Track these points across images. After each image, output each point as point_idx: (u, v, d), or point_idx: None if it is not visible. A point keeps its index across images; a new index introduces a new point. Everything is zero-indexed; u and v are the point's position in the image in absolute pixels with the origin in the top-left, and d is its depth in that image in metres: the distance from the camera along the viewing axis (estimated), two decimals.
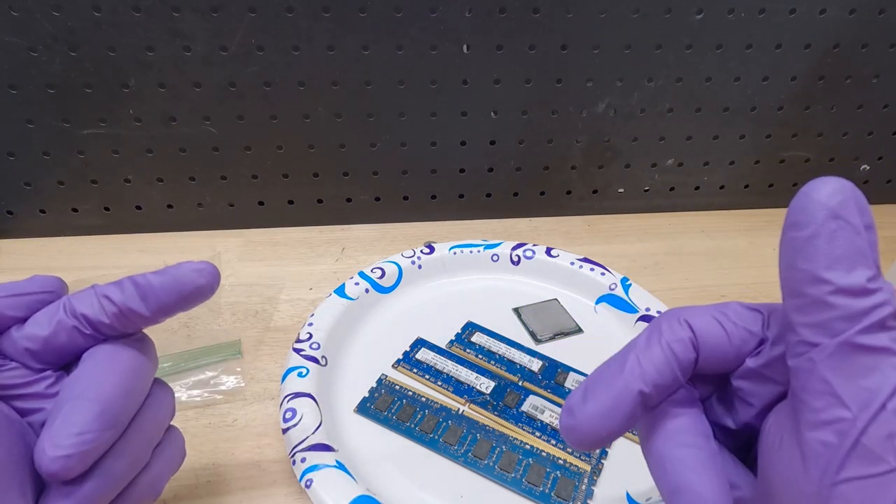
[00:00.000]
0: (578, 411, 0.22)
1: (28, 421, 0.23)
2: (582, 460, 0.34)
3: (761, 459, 0.21)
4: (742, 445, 0.23)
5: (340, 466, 0.31)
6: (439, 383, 0.39)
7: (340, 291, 0.44)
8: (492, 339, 0.43)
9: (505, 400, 0.38)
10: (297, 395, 0.35)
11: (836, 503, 0.17)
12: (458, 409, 0.38)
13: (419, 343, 0.43)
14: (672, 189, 0.62)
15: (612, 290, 0.47)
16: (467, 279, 0.50)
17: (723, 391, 0.23)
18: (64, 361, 0.24)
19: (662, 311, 0.44)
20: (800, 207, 0.19)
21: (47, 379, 0.23)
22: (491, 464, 0.34)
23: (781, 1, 0.51)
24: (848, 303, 0.17)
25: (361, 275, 0.46)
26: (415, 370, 0.40)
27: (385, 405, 0.37)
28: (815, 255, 0.18)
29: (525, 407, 0.38)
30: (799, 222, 0.18)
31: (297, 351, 0.39)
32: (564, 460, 0.34)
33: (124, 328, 0.24)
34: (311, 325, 0.41)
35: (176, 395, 0.38)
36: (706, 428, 0.22)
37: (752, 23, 0.52)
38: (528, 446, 0.35)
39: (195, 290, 0.24)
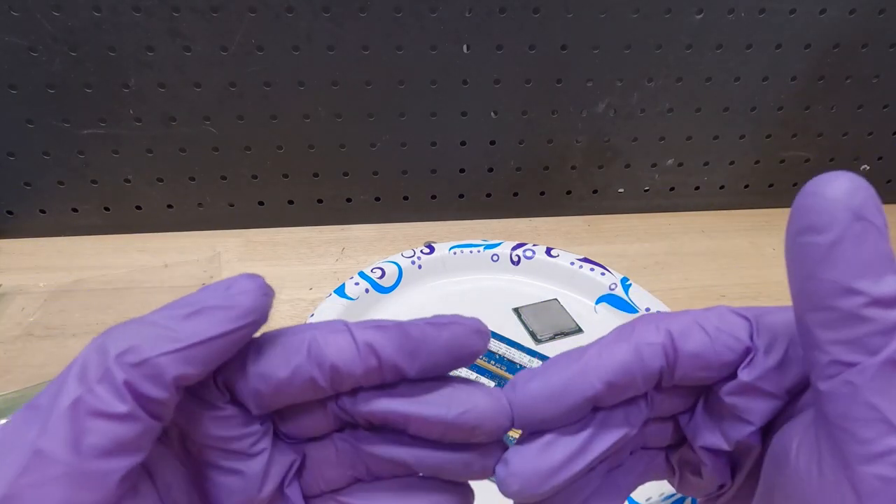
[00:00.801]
0: (521, 387, 0.20)
1: (214, 481, 0.19)
2: None
3: (777, 483, 0.19)
4: (731, 464, 0.21)
5: None
6: None
7: (340, 291, 0.44)
8: (492, 340, 0.44)
9: None
10: None
11: None
12: None
13: None
14: (672, 189, 0.62)
15: (612, 290, 0.47)
16: (467, 279, 0.50)
17: (710, 407, 0.21)
18: (276, 412, 0.20)
19: (662, 311, 0.44)
20: (814, 208, 0.16)
21: (254, 435, 0.19)
22: None
23: (781, 1, 0.51)
24: (884, 315, 0.16)
25: (361, 275, 0.46)
26: None
27: None
28: (842, 263, 0.16)
29: None
30: (816, 225, 0.16)
31: None
32: None
33: (368, 383, 0.19)
34: None
35: None
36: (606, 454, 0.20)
37: (752, 23, 0.52)
38: None
39: (469, 355, 0.19)
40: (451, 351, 0.19)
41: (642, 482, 0.23)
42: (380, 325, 0.19)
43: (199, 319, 0.17)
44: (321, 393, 0.19)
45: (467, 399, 0.19)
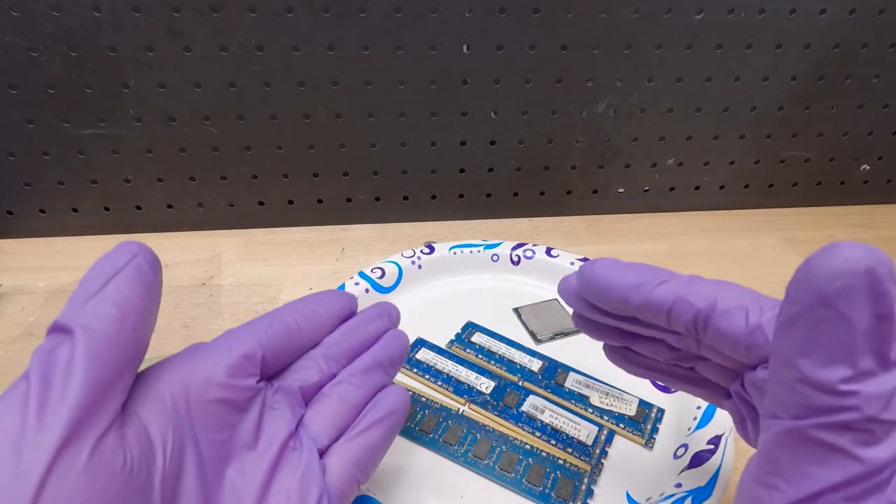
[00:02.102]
0: (598, 265, 0.25)
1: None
2: (582, 460, 0.34)
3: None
4: None
5: None
6: (439, 383, 0.39)
7: None
8: (492, 339, 0.43)
9: (505, 400, 0.38)
10: None
11: None
12: (458, 409, 0.38)
13: (419, 343, 0.43)
14: (672, 189, 0.62)
15: None
16: (467, 279, 0.50)
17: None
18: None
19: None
20: (798, 278, 0.17)
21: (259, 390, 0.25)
22: (491, 464, 0.34)
23: (781, 1, 0.51)
24: (812, 395, 0.17)
25: (361, 275, 0.46)
26: (415, 370, 0.40)
27: None
28: (794, 337, 0.17)
29: (525, 407, 0.38)
30: (792, 297, 0.17)
31: None
32: (564, 460, 0.34)
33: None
34: None
35: None
36: None
37: (752, 23, 0.52)
38: (528, 446, 0.35)
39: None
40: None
41: (703, 398, 0.28)
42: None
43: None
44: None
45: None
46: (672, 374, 0.28)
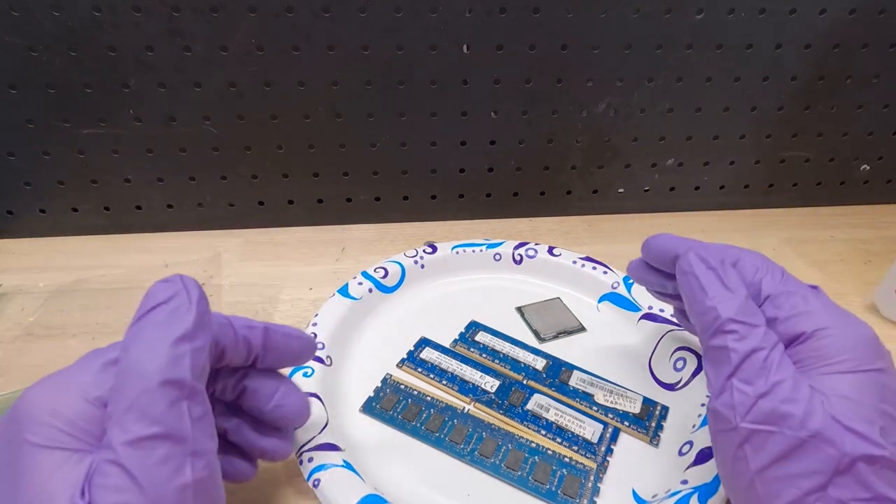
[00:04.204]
0: (652, 238, 0.36)
1: None
2: (587, 458, 0.34)
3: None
4: None
5: (348, 466, 0.31)
6: (444, 382, 0.39)
7: (344, 291, 0.44)
8: (496, 339, 0.43)
9: (510, 398, 0.38)
10: None
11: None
12: (464, 407, 0.37)
13: (423, 342, 0.43)
14: (672, 189, 0.62)
15: (615, 288, 0.47)
16: (470, 278, 0.50)
17: None
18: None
19: (665, 308, 0.44)
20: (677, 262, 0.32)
21: None
22: (497, 462, 0.34)
23: (781, 1, 0.51)
24: (701, 320, 0.28)
25: (364, 274, 0.46)
26: (419, 369, 0.40)
27: (390, 404, 0.37)
28: (683, 295, 0.30)
29: (530, 405, 0.38)
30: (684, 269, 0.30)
31: None
32: (570, 458, 0.34)
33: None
34: (315, 324, 0.41)
35: None
36: None
37: (752, 23, 0.52)
38: (533, 444, 0.35)
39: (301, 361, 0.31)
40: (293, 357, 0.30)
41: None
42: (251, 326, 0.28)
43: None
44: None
45: (283, 397, 0.29)
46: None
